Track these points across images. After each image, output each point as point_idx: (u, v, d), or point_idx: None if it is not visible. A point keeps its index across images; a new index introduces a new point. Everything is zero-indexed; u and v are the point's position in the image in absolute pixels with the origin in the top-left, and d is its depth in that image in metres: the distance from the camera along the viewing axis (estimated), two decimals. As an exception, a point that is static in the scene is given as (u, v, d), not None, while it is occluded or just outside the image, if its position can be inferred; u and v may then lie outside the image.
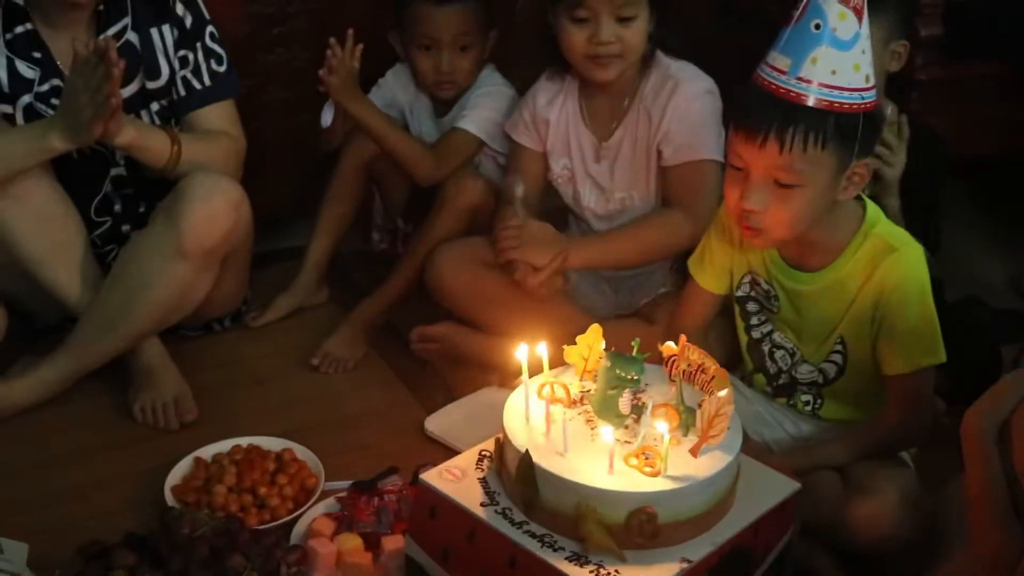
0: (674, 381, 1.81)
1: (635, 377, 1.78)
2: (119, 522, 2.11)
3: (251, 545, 1.96)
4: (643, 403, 1.79)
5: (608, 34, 2.31)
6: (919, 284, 1.91)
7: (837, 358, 2.03)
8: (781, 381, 2.10)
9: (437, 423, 2.39)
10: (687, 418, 1.75)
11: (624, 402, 1.78)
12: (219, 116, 2.55)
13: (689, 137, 2.37)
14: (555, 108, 2.52)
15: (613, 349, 1.86)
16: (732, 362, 2.25)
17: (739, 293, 2.10)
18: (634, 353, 1.81)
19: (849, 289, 1.96)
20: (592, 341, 1.86)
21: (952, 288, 2.50)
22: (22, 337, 2.59)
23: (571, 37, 2.34)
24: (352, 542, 2.02)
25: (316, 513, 2.14)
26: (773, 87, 1.80)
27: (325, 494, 2.21)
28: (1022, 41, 2.77)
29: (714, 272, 2.11)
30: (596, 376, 1.84)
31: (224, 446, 2.29)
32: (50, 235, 2.45)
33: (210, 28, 2.54)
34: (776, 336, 2.08)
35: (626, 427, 1.75)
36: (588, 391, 1.82)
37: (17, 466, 2.35)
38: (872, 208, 1.98)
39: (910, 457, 2.01)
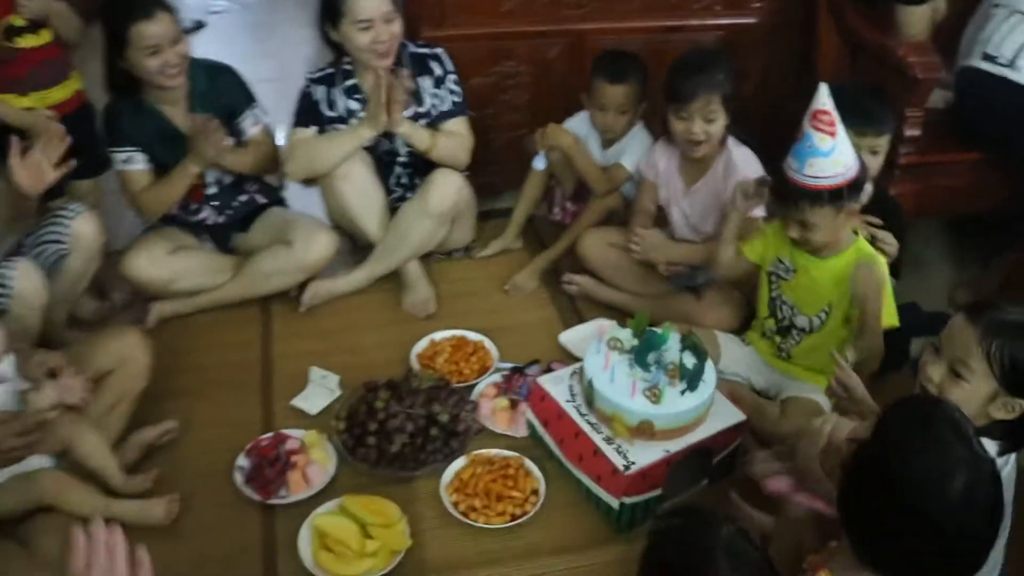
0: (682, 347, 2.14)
1: (659, 345, 2.12)
2: (387, 371, 2.45)
3: (450, 395, 2.35)
4: (662, 358, 2.13)
5: (699, 129, 2.52)
6: (886, 283, 2.16)
7: (823, 316, 2.27)
8: (783, 324, 2.34)
9: (568, 337, 2.63)
10: (685, 371, 2.08)
11: (652, 356, 2.13)
12: (458, 125, 2.80)
13: None
14: (664, 160, 2.71)
15: (657, 325, 2.17)
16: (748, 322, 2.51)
17: (770, 269, 2.34)
18: (661, 331, 2.16)
19: (840, 276, 2.20)
20: (641, 321, 2.19)
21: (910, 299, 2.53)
22: (350, 251, 2.95)
23: (675, 127, 2.55)
24: (503, 403, 2.36)
25: (489, 381, 2.46)
26: (790, 178, 2.11)
27: (497, 370, 2.50)
28: (996, 137, 2.77)
29: (759, 251, 2.37)
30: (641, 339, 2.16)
31: (447, 334, 2.62)
32: (365, 199, 2.78)
33: (453, 76, 2.78)
34: (784, 296, 2.32)
35: (650, 371, 2.10)
36: (635, 345, 2.15)
37: (334, 327, 2.71)
38: (861, 234, 2.23)
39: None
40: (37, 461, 2.03)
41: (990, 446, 1.66)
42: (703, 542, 1.28)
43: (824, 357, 2.23)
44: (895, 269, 2.37)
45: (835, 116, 2.03)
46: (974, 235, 3.18)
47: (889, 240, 2.31)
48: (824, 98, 2.03)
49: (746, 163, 2.56)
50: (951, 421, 1.27)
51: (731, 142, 2.59)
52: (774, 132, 2.63)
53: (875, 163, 2.37)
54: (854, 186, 2.10)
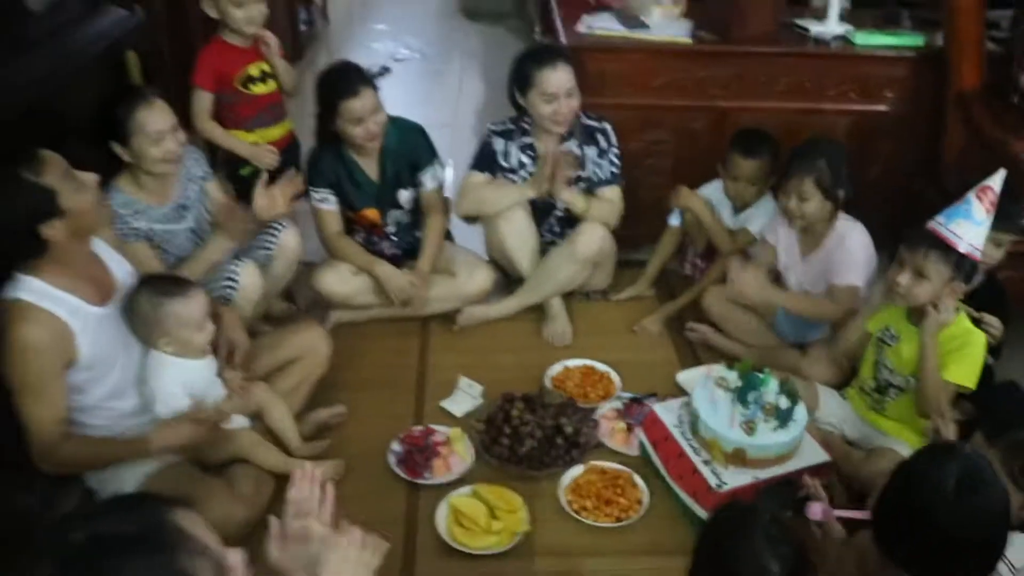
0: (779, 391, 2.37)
1: (759, 387, 2.35)
2: (523, 387, 2.76)
3: (576, 412, 2.65)
4: (760, 398, 2.34)
5: (793, 206, 2.77)
6: (983, 355, 2.34)
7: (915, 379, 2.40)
8: (881, 382, 2.50)
9: (684, 377, 2.88)
10: (779, 411, 2.33)
11: (752, 396, 2.34)
12: (611, 192, 3.14)
13: (843, 270, 2.74)
14: (785, 228, 2.93)
15: (760, 370, 2.40)
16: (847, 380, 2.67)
17: (879, 335, 2.52)
18: (762, 375, 2.41)
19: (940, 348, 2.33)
20: (746, 365, 2.44)
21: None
22: (503, 283, 3.30)
23: (778, 200, 2.84)
24: (620, 425, 2.66)
25: (611, 406, 2.74)
26: (933, 229, 2.28)
27: (618, 398, 2.78)
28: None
29: (875, 323, 2.52)
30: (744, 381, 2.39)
31: (578, 362, 2.93)
32: (520, 240, 3.15)
33: (615, 150, 3.11)
34: (886, 360, 2.48)
35: (749, 408, 2.33)
36: (739, 385, 2.37)
37: (482, 346, 3.07)
38: (963, 309, 2.36)
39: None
40: (238, 422, 2.54)
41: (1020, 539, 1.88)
42: (746, 526, 1.50)
43: (913, 412, 2.44)
44: (996, 350, 2.52)
45: (996, 201, 2.22)
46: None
47: (994, 323, 2.47)
48: (998, 181, 2.24)
49: (857, 240, 2.77)
50: (964, 454, 1.59)
51: (844, 219, 2.80)
52: (898, 213, 2.86)
53: (996, 255, 2.54)
54: (972, 268, 2.28)
